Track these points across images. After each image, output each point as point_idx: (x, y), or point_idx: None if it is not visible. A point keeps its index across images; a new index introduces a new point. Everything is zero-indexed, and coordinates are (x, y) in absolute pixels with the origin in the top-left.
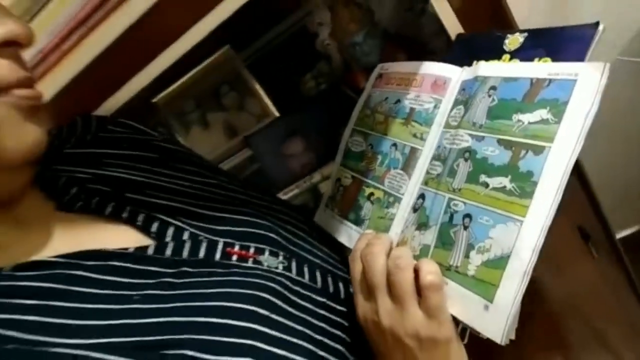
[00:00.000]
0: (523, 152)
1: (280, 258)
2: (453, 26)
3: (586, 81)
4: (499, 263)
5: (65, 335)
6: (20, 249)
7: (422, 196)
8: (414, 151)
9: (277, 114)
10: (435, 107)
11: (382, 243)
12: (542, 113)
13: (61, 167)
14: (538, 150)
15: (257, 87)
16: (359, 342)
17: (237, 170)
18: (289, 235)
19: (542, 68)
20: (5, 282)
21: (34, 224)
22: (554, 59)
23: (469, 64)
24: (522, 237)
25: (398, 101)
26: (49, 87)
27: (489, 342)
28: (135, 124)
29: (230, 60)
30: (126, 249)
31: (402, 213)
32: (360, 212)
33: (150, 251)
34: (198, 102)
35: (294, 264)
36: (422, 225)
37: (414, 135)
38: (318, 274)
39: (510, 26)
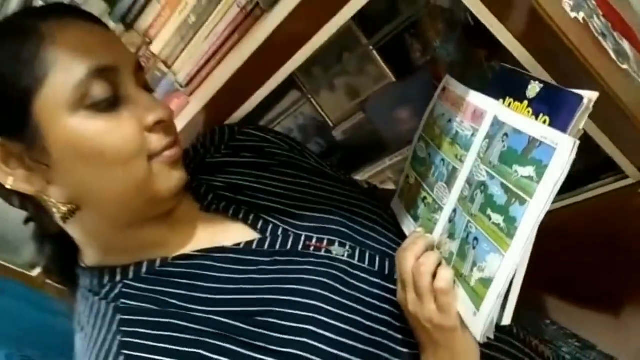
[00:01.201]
0: (514, 199)
1: (347, 247)
2: (520, 54)
3: (562, 152)
4: (487, 283)
5: (199, 304)
6: (176, 243)
7: (455, 211)
8: (454, 170)
9: (393, 79)
10: (473, 135)
11: (414, 248)
12: (530, 170)
13: (204, 177)
14: (522, 202)
15: (375, 54)
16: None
17: (355, 130)
18: (358, 227)
19: (538, 128)
20: (169, 268)
21: (185, 224)
22: (551, 119)
23: (504, 98)
24: (502, 268)
25: (450, 120)
26: (212, 84)
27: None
28: (256, 132)
29: (353, 32)
30: (239, 244)
31: (442, 220)
32: (417, 210)
33: (254, 245)
34: (325, 68)
35: (357, 252)
36: (451, 235)
37: (456, 156)
38: (377, 259)
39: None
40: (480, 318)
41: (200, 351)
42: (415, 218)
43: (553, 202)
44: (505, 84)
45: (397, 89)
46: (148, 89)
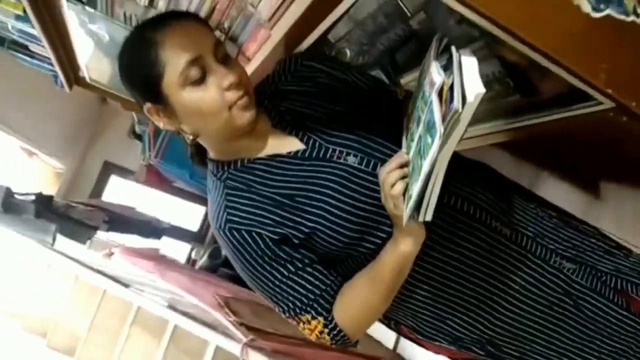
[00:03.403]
0: (424, 153)
1: (358, 158)
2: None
3: (437, 139)
4: (411, 195)
5: (266, 187)
6: (256, 149)
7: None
8: (419, 117)
9: None
10: (429, 95)
11: (388, 166)
12: (430, 140)
13: (275, 101)
14: (425, 157)
15: None
16: None
17: (428, 22)
18: (371, 143)
19: (437, 117)
20: (251, 165)
21: (262, 136)
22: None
23: (447, 75)
24: (415, 188)
25: (424, 78)
26: (289, 19)
27: None
28: (314, 63)
29: None
30: (291, 152)
31: (413, 148)
32: (406, 135)
33: (299, 154)
34: None
35: (365, 161)
36: (411, 161)
37: (421, 108)
38: (379, 166)
39: None
40: (406, 213)
41: (264, 212)
42: (406, 139)
43: (550, 115)
44: (451, 63)
45: None
46: (226, 57)
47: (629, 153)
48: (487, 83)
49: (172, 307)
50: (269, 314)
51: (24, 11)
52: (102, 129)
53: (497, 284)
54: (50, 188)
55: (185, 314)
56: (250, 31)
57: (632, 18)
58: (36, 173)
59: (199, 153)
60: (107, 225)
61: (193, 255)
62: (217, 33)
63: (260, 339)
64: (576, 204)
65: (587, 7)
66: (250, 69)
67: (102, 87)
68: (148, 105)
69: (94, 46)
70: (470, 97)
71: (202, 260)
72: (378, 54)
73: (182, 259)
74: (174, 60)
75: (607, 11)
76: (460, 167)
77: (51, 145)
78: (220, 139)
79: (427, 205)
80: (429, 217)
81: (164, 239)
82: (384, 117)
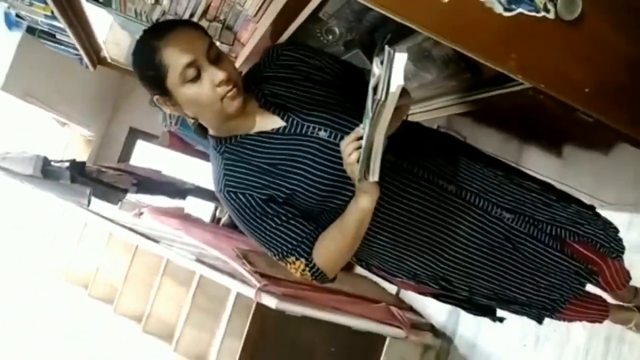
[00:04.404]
0: (368, 132)
1: (328, 132)
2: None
3: (368, 122)
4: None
5: (254, 157)
6: (246, 127)
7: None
8: (368, 97)
9: None
10: (369, 85)
11: (347, 138)
12: (367, 122)
13: (261, 85)
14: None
15: None
16: None
17: None
18: (339, 119)
19: (369, 103)
20: (243, 140)
21: (250, 115)
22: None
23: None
24: (362, 154)
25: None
26: (271, 13)
27: None
28: (293, 52)
29: None
30: (273, 129)
31: (366, 122)
32: (364, 111)
33: (280, 130)
34: None
35: (333, 134)
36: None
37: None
38: (345, 138)
39: None
40: (357, 173)
41: (254, 178)
42: (364, 116)
43: (492, 91)
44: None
45: None
46: (218, 56)
47: (560, 124)
48: (443, 63)
49: (199, 260)
50: None
51: (52, 12)
52: (126, 98)
53: (445, 230)
54: (82, 155)
55: (209, 265)
56: (241, 24)
57: (542, 14)
58: (68, 141)
59: (202, 130)
60: (135, 188)
61: (217, 213)
62: (215, 24)
63: (273, 285)
64: (555, 166)
65: (498, 8)
66: (245, 52)
67: (121, 65)
68: (157, 96)
69: (111, 23)
70: (392, 88)
71: (225, 218)
72: (363, 32)
73: (207, 218)
74: (174, 64)
75: (519, 10)
76: (415, 135)
77: (80, 116)
78: (216, 122)
79: (373, 170)
80: (376, 178)
81: (189, 199)
82: (354, 97)
